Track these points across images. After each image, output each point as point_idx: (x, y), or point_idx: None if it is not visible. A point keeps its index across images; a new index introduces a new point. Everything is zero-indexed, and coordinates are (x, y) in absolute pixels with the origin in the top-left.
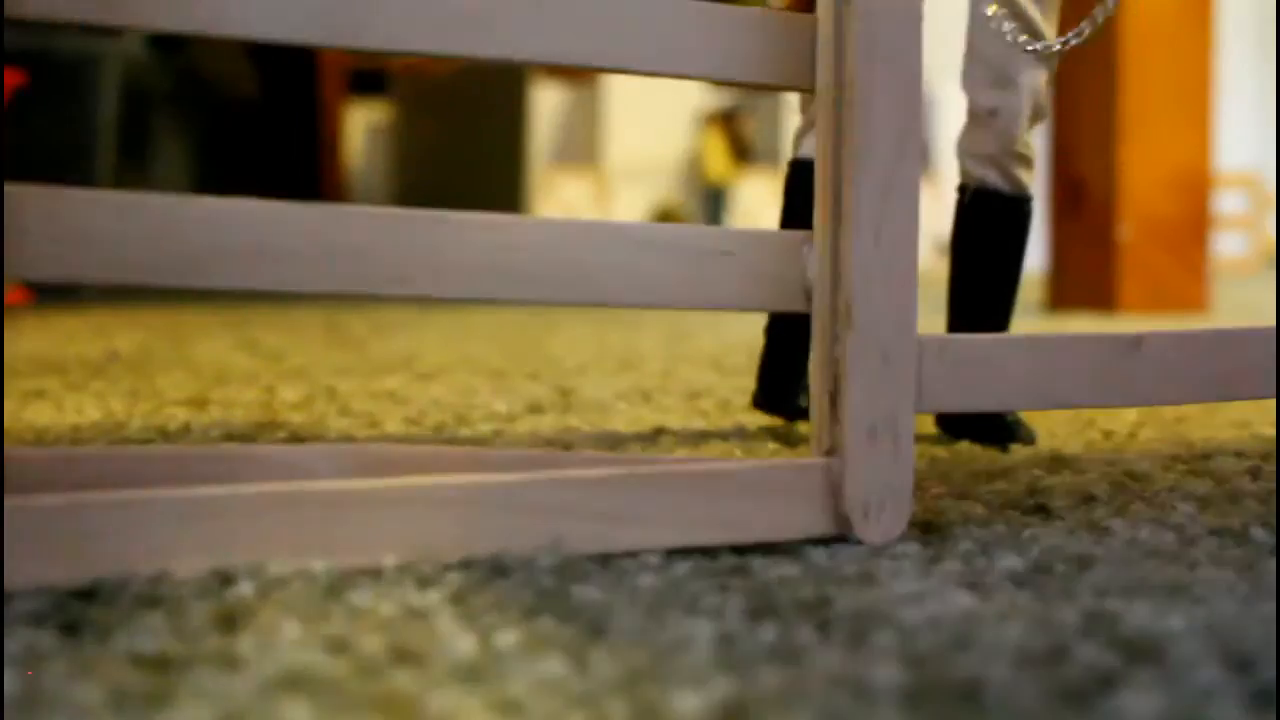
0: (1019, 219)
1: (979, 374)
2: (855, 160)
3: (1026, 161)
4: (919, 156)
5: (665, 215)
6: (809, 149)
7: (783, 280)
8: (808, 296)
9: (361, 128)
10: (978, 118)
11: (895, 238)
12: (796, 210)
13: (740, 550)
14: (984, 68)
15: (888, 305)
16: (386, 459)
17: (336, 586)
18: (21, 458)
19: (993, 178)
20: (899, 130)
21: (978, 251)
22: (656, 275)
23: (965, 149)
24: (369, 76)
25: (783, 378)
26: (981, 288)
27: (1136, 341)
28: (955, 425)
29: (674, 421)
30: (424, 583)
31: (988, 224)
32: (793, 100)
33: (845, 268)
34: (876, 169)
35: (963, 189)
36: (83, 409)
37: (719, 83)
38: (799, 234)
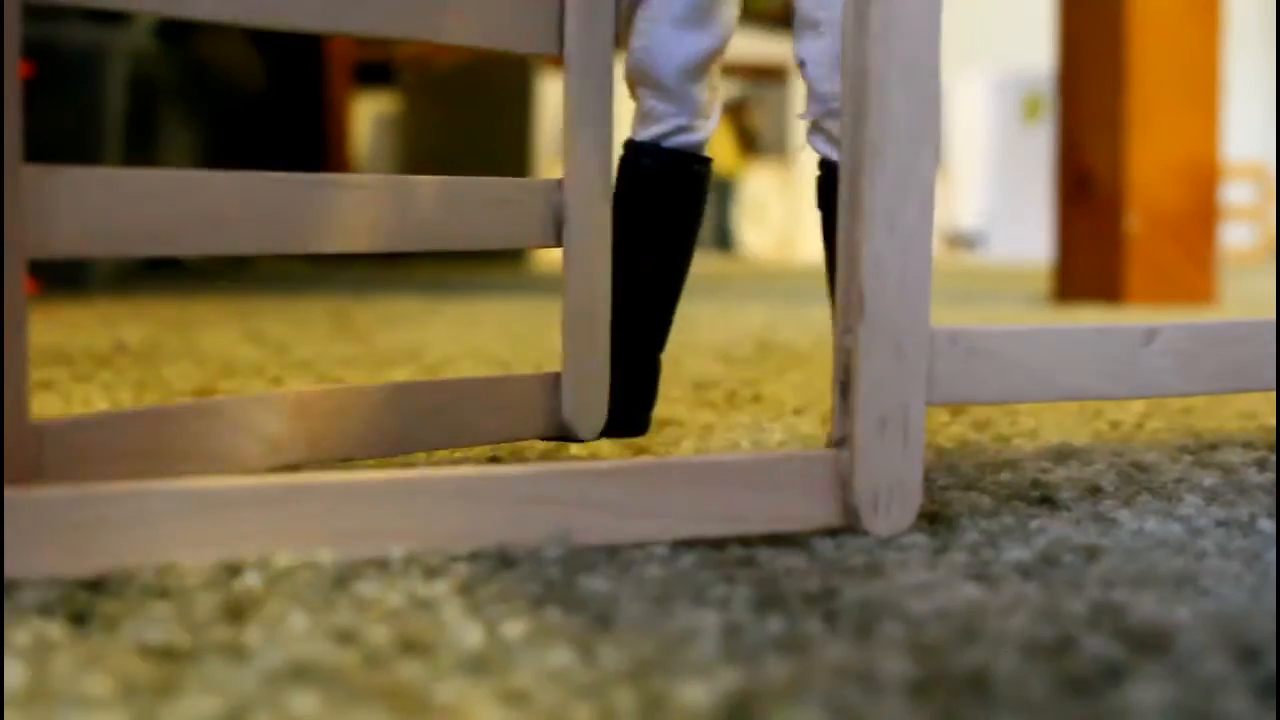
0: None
1: (991, 365)
2: (871, 150)
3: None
4: (936, 147)
5: None
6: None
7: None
8: (557, 230)
9: (368, 119)
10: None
11: (909, 228)
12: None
13: (747, 541)
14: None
15: (901, 296)
16: (320, 402)
17: (344, 577)
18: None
19: (826, 149)
20: (915, 121)
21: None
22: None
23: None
24: (376, 67)
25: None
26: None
27: (1150, 334)
28: None
29: (680, 413)
30: (431, 574)
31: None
32: (798, 93)
33: (858, 258)
34: (892, 159)
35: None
36: (90, 400)
37: (470, 46)
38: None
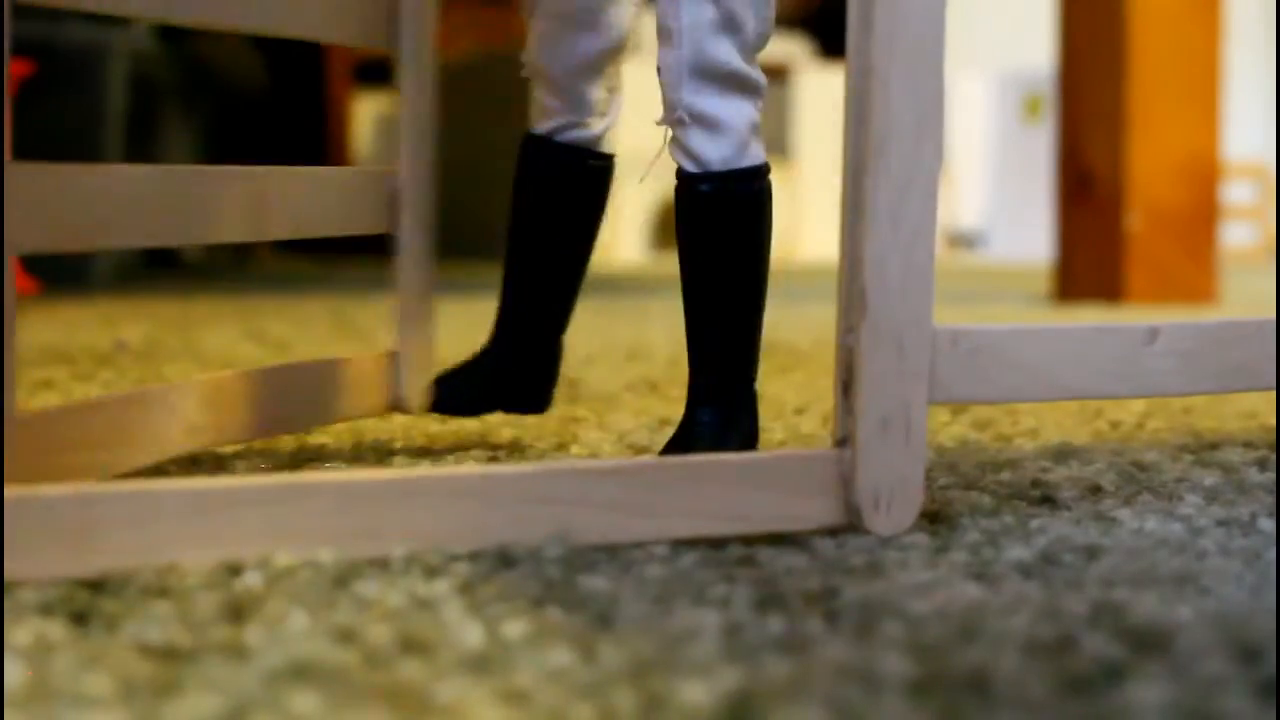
0: (712, 200)
1: (993, 365)
2: (874, 148)
3: (699, 119)
4: (939, 146)
5: (671, 208)
6: None
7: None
8: (393, 216)
9: (369, 118)
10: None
11: (913, 226)
12: None
13: (748, 541)
14: None
15: (903, 295)
16: (227, 386)
17: (344, 577)
18: None
19: (676, 156)
20: (919, 119)
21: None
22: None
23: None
24: (376, 67)
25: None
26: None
27: (1151, 334)
28: None
29: (681, 412)
30: (431, 573)
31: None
32: (799, 92)
33: (860, 257)
34: (895, 157)
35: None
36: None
37: (307, 38)
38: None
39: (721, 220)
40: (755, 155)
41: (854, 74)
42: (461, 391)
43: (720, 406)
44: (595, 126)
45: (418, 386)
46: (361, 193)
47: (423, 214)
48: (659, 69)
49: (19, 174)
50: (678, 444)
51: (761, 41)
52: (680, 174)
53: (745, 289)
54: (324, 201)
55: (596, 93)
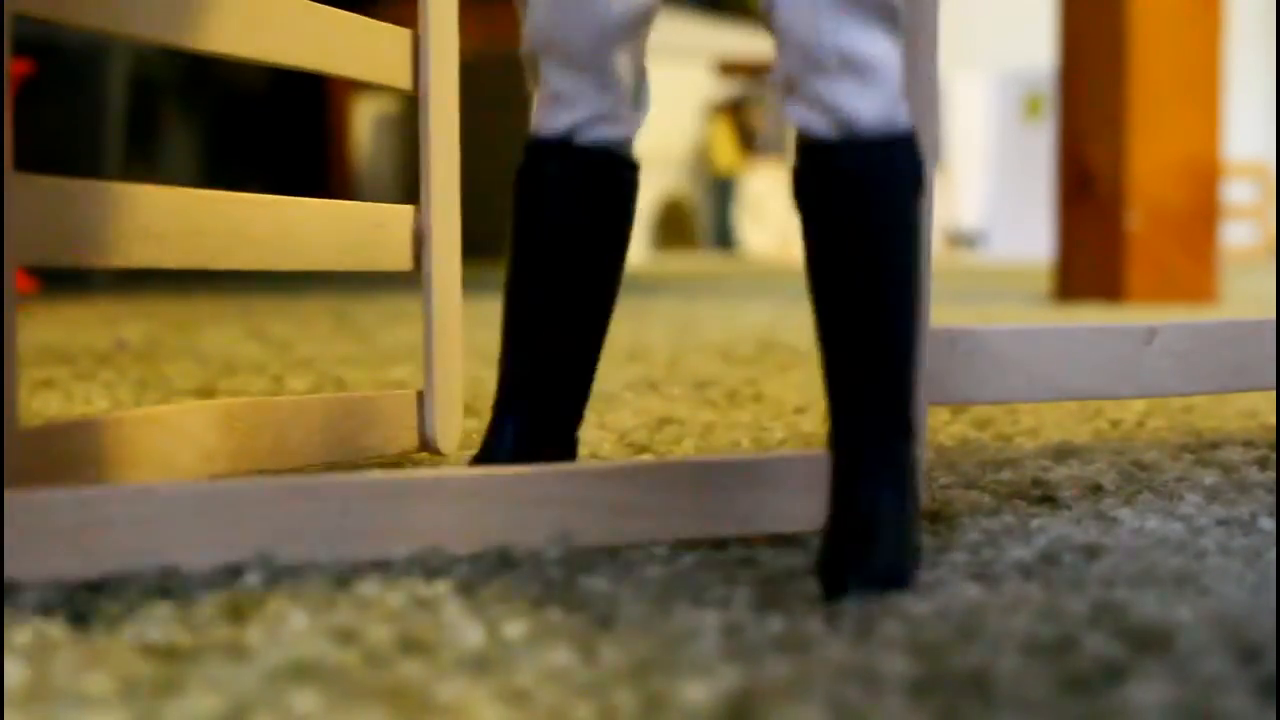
0: (859, 177)
1: (992, 366)
2: None
3: (848, 67)
4: (934, 146)
5: (672, 207)
6: None
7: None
8: (416, 254)
9: (369, 118)
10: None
11: None
12: None
13: (748, 541)
14: None
15: None
16: (245, 412)
17: (345, 577)
18: None
19: (803, 118)
20: (913, 117)
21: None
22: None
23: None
24: None
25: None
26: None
27: (1150, 334)
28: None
29: (681, 412)
30: (432, 574)
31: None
32: None
33: None
34: None
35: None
36: (91, 398)
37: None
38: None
39: (882, 205)
40: (907, 114)
41: None
42: None
43: (895, 479)
44: (628, 123)
45: (447, 427)
46: (385, 229)
47: (449, 253)
48: (771, 2)
49: (35, 187)
50: (840, 542)
51: None
52: (812, 146)
53: (909, 304)
54: (346, 236)
55: (626, 70)
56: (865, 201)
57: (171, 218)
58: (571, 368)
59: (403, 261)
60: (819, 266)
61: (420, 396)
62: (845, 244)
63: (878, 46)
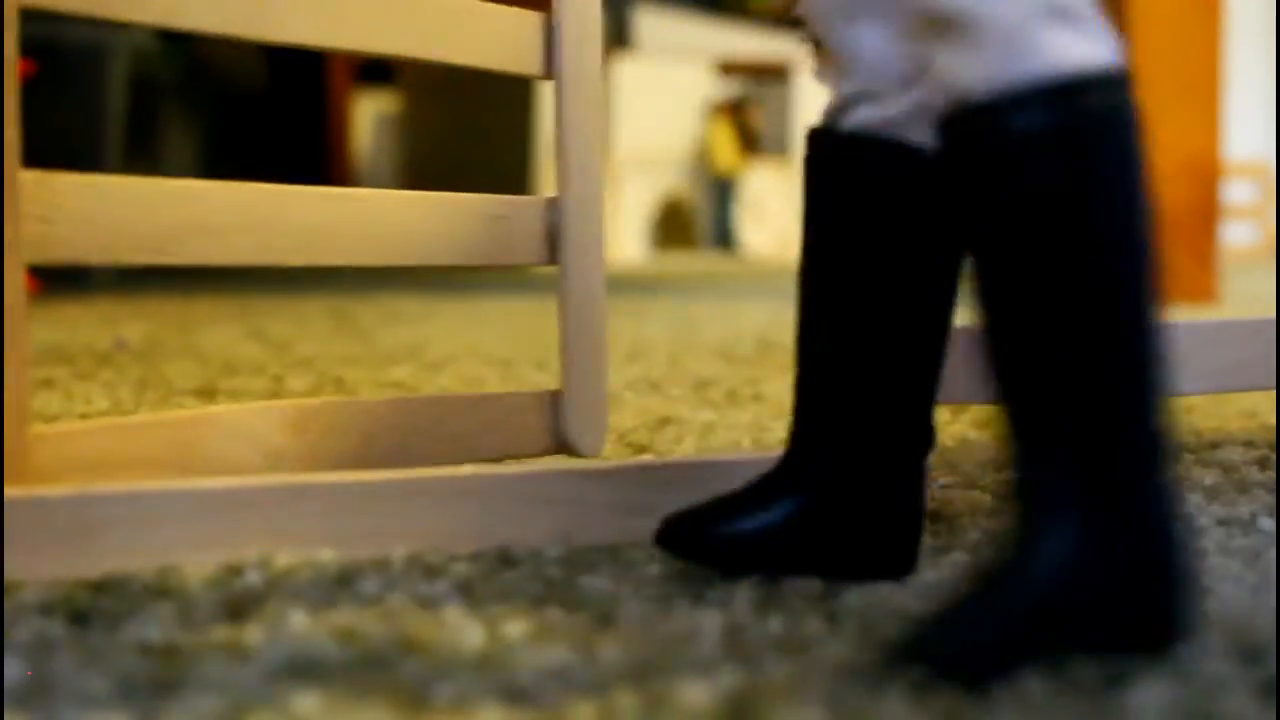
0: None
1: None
2: None
3: (955, 29)
4: None
5: (672, 207)
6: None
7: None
8: (551, 247)
9: (369, 117)
10: None
11: None
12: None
13: None
14: None
15: None
16: (320, 413)
17: (344, 577)
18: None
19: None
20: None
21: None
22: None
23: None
24: (377, 66)
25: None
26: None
27: None
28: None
29: (682, 411)
30: (432, 573)
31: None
32: (799, 92)
33: None
34: None
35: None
36: (91, 398)
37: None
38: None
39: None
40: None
41: None
42: (750, 544)
43: (1093, 517)
44: (890, 100)
45: (588, 429)
46: (508, 222)
47: (590, 245)
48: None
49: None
50: (997, 581)
51: None
52: (973, 110)
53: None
54: (456, 229)
55: (879, 43)
56: (1050, 173)
57: (231, 213)
58: (886, 386)
59: (530, 256)
60: (1003, 268)
61: (555, 397)
62: (1033, 235)
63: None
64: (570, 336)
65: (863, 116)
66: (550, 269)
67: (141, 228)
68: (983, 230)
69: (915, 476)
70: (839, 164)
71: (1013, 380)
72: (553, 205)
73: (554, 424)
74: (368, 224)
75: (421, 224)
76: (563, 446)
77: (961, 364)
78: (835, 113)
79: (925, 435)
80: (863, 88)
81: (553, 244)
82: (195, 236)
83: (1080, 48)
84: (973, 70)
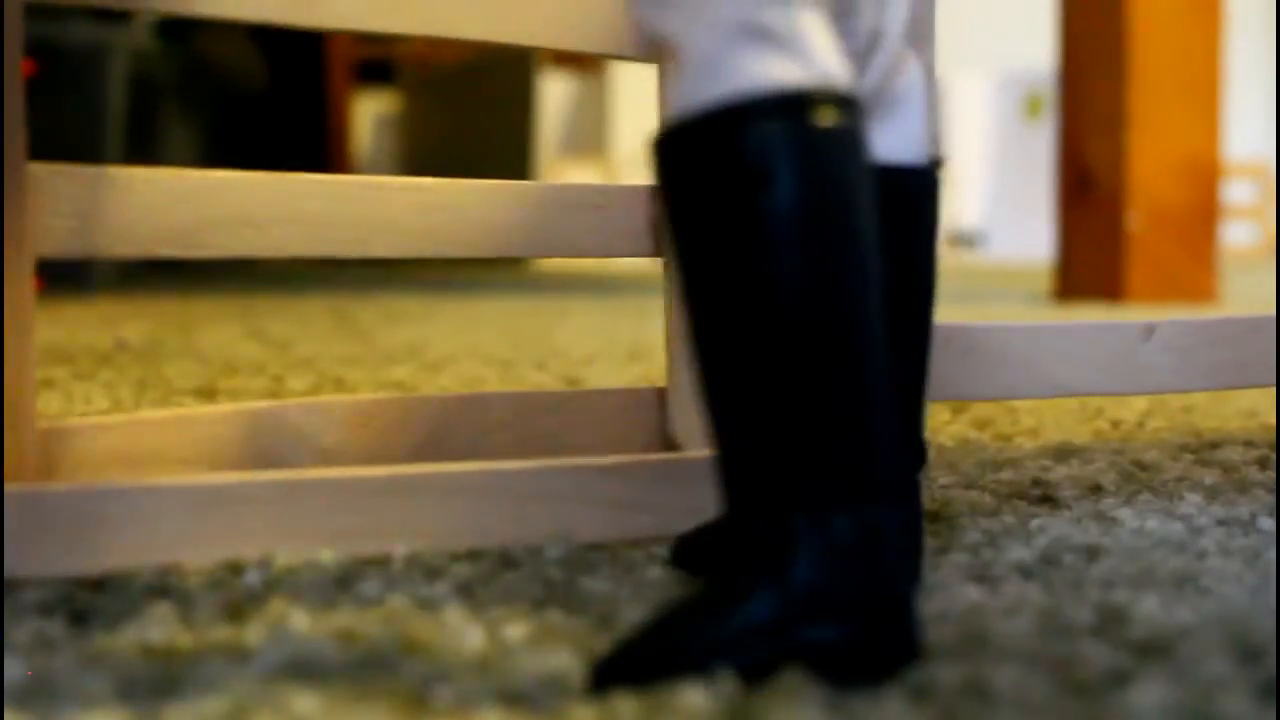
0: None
1: (990, 362)
2: None
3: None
4: (936, 145)
5: None
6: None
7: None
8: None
9: (369, 117)
10: None
11: None
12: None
13: None
14: None
15: None
16: (381, 410)
17: (345, 577)
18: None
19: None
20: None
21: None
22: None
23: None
24: (377, 66)
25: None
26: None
27: (1148, 330)
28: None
29: None
30: (432, 574)
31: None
32: None
33: None
34: None
35: None
36: (91, 398)
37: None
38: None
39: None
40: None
41: None
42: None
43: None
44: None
45: (693, 426)
46: (611, 212)
47: None
48: None
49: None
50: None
51: None
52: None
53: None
54: (556, 220)
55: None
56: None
57: (271, 205)
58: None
59: (630, 247)
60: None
61: (662, 394)
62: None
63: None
64: (678, 334)
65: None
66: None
67: (176, 220)
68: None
69: (912, 493)
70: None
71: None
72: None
73: (658, 422)
74: (448, 216)
75: (503, 214)
76: (668, 444)
77: (957, 363)
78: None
79: (918, 451)
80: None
81: (656, 234)
82: (230, 228)
83: (779, 69)
84: (676, 93)
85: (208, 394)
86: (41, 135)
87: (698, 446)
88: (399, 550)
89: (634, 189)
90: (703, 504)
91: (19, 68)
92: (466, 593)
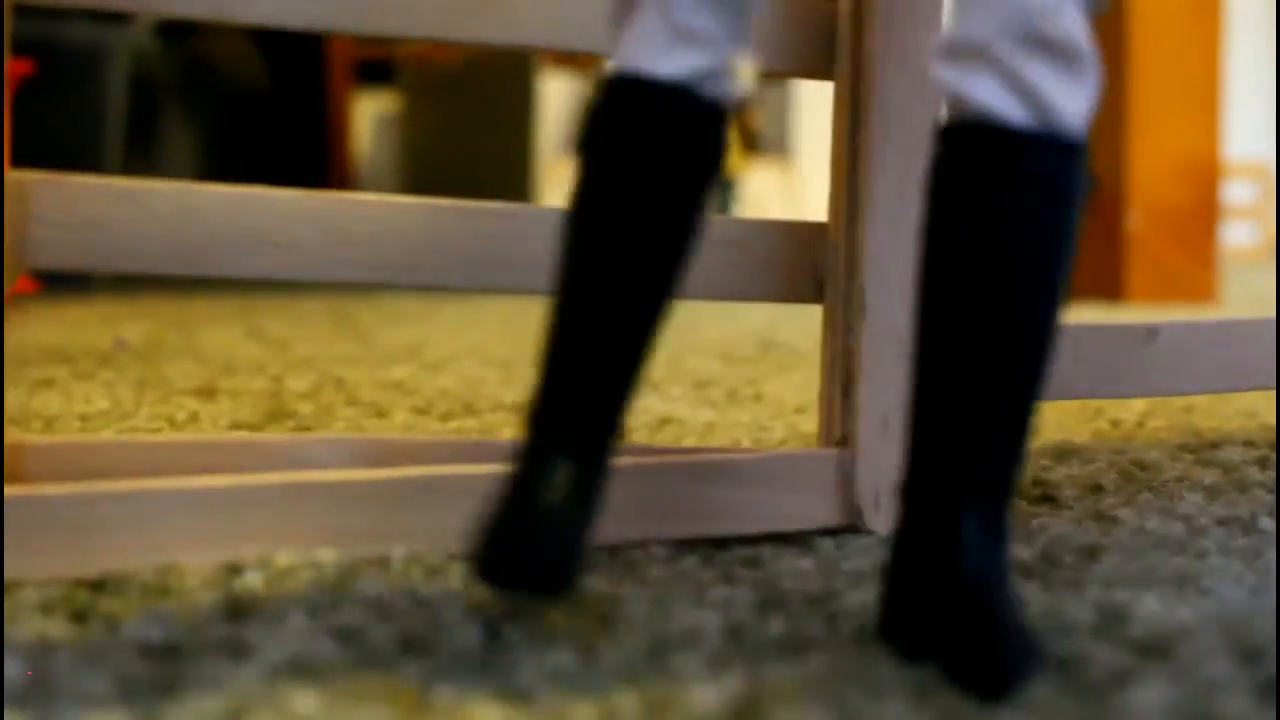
0: (1052, 180)
1: None
2: (872, 150)
3: (1062, 51)
4: None
5: None
6: None
7: (793, 270)
8: (819, 287)
9: (369, 117)
10: None
11: (911, 227)
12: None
13: (749, 540)
14: None
15: (902, 294)
16: (389, 450)
17: (344, 577)
18: (31, 447)
19: (988, 94)
20: (916, 121)
21: (964, 249)
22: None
23: (944, 46)
24: (377, 66)
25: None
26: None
27: (1151, 332)
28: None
29: (682, 411)
30: (431, 573)
31: (983, 190)
32: (799, 92)
33: (860, 257)
34: (893, 159)
35: (944, 129)
36: (91, 398)
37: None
38: (811, 223)
39: (1066, 217)
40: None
41: (848, 74)
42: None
43: (991, 519)
44: (735, 79)
45: (882, 497)
46: (759, 250)
47: (891, 281)
48: None
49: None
50: (916, 565)
51: None
52: (995, 130)
53: (1052, 337)
54: (729, 263)
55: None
56: (1054, 209)
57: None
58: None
59: (789, 292)
60: (969, 265)
61: (843, 456)
62: (1018, 249)
63: (1086, 35)
64: (867, 379)
65: (723, 90)
66: None
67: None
68: (996, 236)
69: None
70: (696, 132)
71: (973, 385)
72: (822, 236)
73: (836, 490)
74: (544, 247)
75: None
76: (851, 516)
77: None
78: (699, 75)
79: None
80: (729, 64)
81: (818, 279)
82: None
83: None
84: (1074, 103)
85: (207, 394)
86: (42, 136)
87: (882, 523)
88: (399, 550)
89: (795, 228)
90: (703, 505)
91: (2, 76)
92: (465, 591)
